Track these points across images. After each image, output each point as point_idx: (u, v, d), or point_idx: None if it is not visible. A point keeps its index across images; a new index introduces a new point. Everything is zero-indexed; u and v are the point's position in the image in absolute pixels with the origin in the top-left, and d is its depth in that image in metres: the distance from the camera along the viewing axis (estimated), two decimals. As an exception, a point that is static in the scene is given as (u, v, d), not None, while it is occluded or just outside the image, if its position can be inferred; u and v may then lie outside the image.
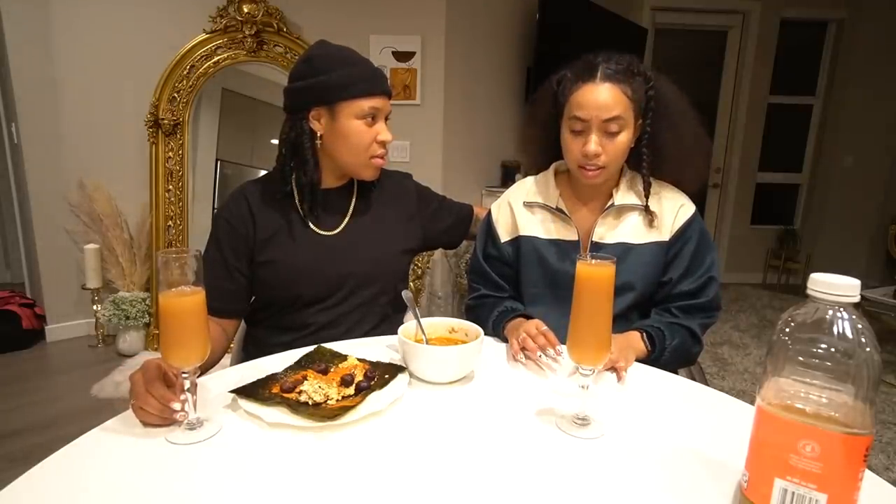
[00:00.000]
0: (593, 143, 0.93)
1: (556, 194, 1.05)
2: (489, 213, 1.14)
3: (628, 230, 1.01)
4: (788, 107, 4.21)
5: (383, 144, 1.02)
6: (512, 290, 1.11)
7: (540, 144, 1.11)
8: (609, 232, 1.02)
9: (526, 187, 1.11)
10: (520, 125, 1.11)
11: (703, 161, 1.06)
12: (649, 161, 0.99)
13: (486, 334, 0.86)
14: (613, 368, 0.84)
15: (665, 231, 1.01)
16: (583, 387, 0.68)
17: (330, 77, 0.96)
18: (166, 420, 0.65)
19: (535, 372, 0.86)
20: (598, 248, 1.01)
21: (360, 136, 0.99)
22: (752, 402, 0.56)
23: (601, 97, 0.92)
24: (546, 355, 0.88)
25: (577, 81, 0.95)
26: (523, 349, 0.88)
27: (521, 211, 1.08)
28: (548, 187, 1.07)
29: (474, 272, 1.14)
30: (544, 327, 0.90)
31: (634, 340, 0.95)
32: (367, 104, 0.97)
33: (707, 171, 1.09)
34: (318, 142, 1.01)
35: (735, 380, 2.52)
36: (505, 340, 0.98)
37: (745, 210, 4.36)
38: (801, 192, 4.41)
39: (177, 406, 0.64)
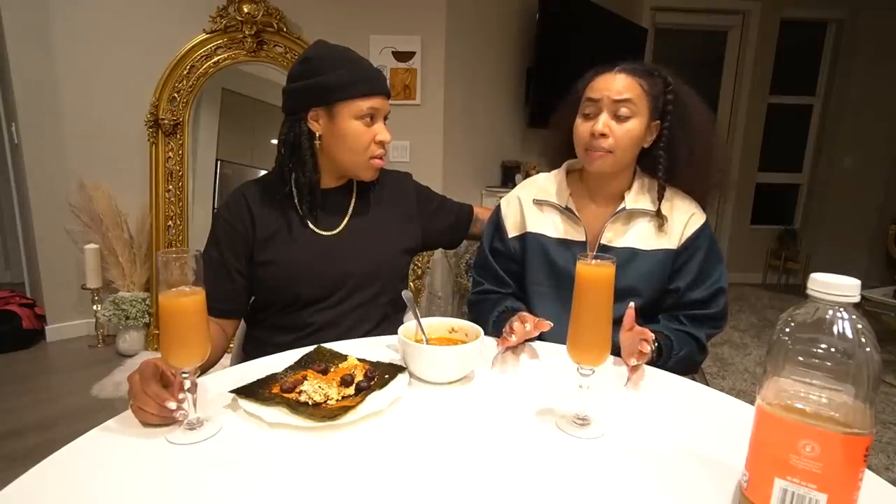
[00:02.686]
0: (601, 123, 0.95)
1: (566, 194, 1.05)
2: (498, 208, 1.14)
3: (637, 235, 1.01)
4: (788, 107, 4.21)
5: (382, 145, 1.01)
6: (517, 287, 1.11)
7: (559, 146, 1.11)
8: (618, 236, 1.02)
9: (537, 184, 1.10)
10: (548, 130, 1.14)
11: (718, 177, 1.06)
12: (665, 165, 0.99)
13: (486, 333, 0.86)
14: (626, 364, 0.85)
15: (674, 239, 1.01)
16: (582, 387, 0.68)
17: (328, 77, 0.96)
18: (165, 419, 0.64)
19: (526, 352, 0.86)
20: (605, 251, 1.01)
21: (359, 137, 0.99)
22: (752, 402, 0.56)
23: (614, 81, 0.95)
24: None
25: (595, 75, 0.99)
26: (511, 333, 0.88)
27: (531, 208, 1.08)
28: (559, 186, 1.07)
29: (479, 266, 1.14)
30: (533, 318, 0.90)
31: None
32: (365, 104, 0.97)
33: (718, 188, 1.10)
34: (317, 142, 1.01)
35: (735, 380, 2.52)
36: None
37: (745, 210, 4.36)
38: (801, 193, 4.41)
39: (172, 405, 0.63)
